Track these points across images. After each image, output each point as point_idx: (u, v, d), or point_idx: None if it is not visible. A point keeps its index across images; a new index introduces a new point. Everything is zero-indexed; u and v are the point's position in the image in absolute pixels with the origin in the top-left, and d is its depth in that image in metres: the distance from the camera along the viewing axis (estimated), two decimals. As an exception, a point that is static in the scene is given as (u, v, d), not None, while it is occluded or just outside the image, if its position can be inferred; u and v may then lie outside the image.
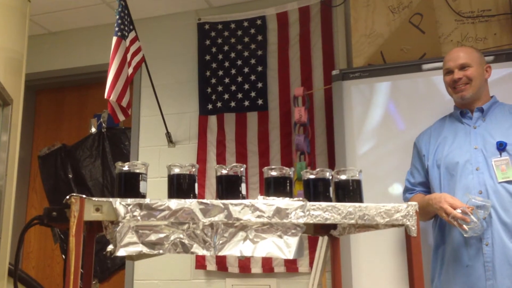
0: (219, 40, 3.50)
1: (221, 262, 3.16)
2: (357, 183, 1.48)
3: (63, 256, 3.69)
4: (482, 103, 2.20)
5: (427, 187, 2.28)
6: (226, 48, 3.47)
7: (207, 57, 3.50)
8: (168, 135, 3.45)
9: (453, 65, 2.19)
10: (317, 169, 1.48)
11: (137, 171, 1.37)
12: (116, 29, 2.73)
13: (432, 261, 2.21)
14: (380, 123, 2.73)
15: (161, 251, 1.28)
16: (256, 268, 3.11)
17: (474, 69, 2.17)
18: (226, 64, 3.45)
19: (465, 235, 1.97)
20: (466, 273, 2.03)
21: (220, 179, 1.43)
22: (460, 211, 1.95)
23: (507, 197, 2.01)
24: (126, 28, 2.80)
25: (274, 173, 1.45)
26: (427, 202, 2.11)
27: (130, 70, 2.80)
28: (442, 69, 2.31)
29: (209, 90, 3.45)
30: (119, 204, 1.22)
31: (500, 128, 2.12)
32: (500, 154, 2.06)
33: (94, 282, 3.52)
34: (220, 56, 3.48)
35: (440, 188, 2.17)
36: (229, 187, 1.41)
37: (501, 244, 1.98)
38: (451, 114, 2.31)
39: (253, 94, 3.35)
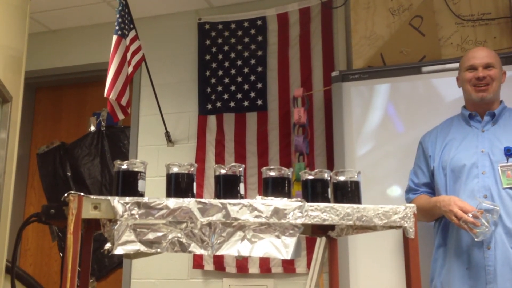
0: (219, 40, 3.50)
1: (219, 262, 3.16)
2: (356, 184, 1.48)
3: (61, 254, 3.69)
4: (494, 107, 2.19)
5: (431, 188, 2.27)
6: (226, 48, 3.48)
7: (207, 57, 3.51)
8: (167, 134, 3.45)
9: (479, 62, 2.16)
10: (316, 170, 1.48)
11: (136, 169, 1.37)
12: (117, 27, 2.73)
13: (432, 261, 2.21)
14: (379, 125, 2.74)
15: (158, 250, 1.27)
16: (253, 268, 3.11)
17: (497, 71, 2.17)
18: (226, 64, 3.45)
19: (476, 239, 1.96)
20: (466, 275, 2.03)
21: (218, 179, 1.43)
22: (471, 215, 1.95)
23: (511, 203, 2.01)
24: (127, 27, 2.80)
25: (272, 174, 1.45)
26: (434, 204, 2.10)
27: (130, 69, 2.80)
28: (442, 71, 2.32)
29: (208, 90, 3.45)
30: (117, 203, 1.22)
31: (509, 134, 2.11)
32: (507, 160, 2.05)
33: (91, 280, 3.52)
34: (220, 56, 3.48)
35: (446, 190, 2.16)
36: (227, 187, 1.41)
37: (503, 249, 1.98)
38: (459, 116, 2.29)
39: (252, 94, 3.35)
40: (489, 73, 2.15)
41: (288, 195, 1.43)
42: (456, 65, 2.39)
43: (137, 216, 1.23)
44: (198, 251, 1.30)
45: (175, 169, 1.40)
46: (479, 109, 2.20)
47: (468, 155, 2.12)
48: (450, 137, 2.22)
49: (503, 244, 1.99)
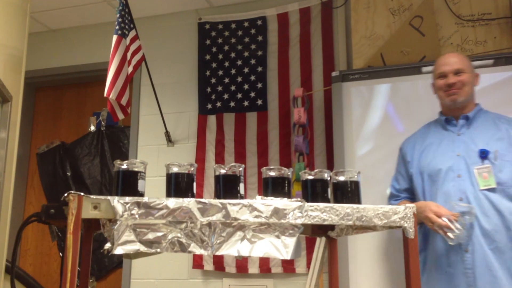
0: (220, 40, 3.50)
1: (219, 262, 3.16)
2: (355, 184, 1.48)
3: (61, 253, 3.69)
4: (468, 111, 2.21)
5: (412, 194, 2.29)
6: (226, 48, 3.47)
7: (207, 57, 3.51)
8: (167, 134, 3.45)
9: (448, 69, 2.20)
10: (316, 170, 1.48)
11: (136, 169, 1.37)
12: (117, 27, 2.72)
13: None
14: (379, 125, 2.74)
15: (158, 250, 1.27)
16: (253, 269, 3.11)
17: (468, 76, 2.19)
18: (226, 64, 3.45)
19: (450, 243, 1.98)
20: (445, 279, 2.05)
21: (218, 179, 1.43)
22: (446, 219, 1.96)
23: (488, 204, 2.02)
24: (127, 27, 2.80)
25: (272, 173, 1.45)
26: None
27: (130, 69, 2.80)
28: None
29: (208, 89, 3.45)
30: (117, 202, 1.22)
31: (484, 136, 2.13)
32: (482, 162, 2.07)
33: (91, 280, 3.52)
34: (220, 56, 3.48)
35: (423, 194, 2.18)
36: (227, 187, 1.41)
37: (481, 251, 1.99)
38: (436, 121, 2.32)
39: (252, 94, 3.35)
40: (459, 78, 2.17)
41: (288, 195, 1.43)
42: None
43: (137, 216, 1.23)
44: (198, 251, 1.30)
45: (175, 169, 1.40)
46: (454, 113, 2.23)
47: (445, 159, 2.14)
48: (427, 142, 2.25)
49: (480, 246, 1.99)
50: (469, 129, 2.18)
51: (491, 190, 2.02)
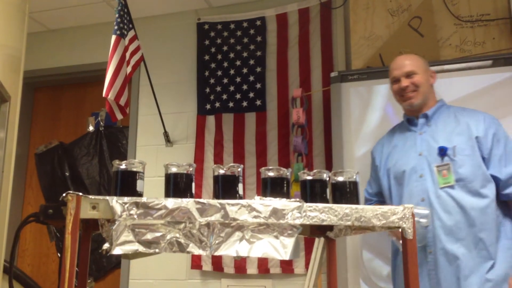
0: (218, 40, 3.50)
1: (217, 263, 3.16)
2: (354, 185, 1.48)
3: (59, 254, 3.68)
4: (428, 109, 2.18)
5: (383, 197, 2.29)
6: (225, 48, 3.47)
7: (206, 57, 3.51)
8: (166, 134, 3.45)
9: (400, 73, 2.17)
10: (315, 170, 1.48)
11: (134, 169, 1.36)
12: (115, 27, 2.72)
13: (391, 270, 2.25)
14: (378, 125, 2.74)
15: (157, 250, 1.27)
16: (251, 269, 3.11)
17: (420, 76, 2.15)
18: (225, 64, 3.45)
19: (401, 249, 1.98)
20: None
21: (217, 179, 1.43)
22: None
23: (450, 201, 2.00)
24: (125, 27, 2.80)
25: (271, 174, 1.45)
26: None
27: (129, 69, 2.80)
28: (440, 72, 2.32)
29: (207, 90, 3.45)
30: (116, 202, 1.22)
31: (444, 132, 2.11)
32: (442, 159, 2.05)
33: (89, 280, 3.51)
34: (219, 56, 3.48)
35: (390, 197, 2.18)
36: (226, 187, 1.41)
37: (442, 251, 1.98)
38: (401, 123, 2.31)
39: (251, 94, 3.35)
40: (411, 81, 2.15)
41: (287, 195, 1.42)
42: (455, 66, 2.39)
43: (135, 216, 1.23)
44: (197, 251, 1.29)
45: (174, 169, 1.40)
46: (415, 113, 2.21)
47: (408, 160, 2.13)
48: (393, 145, 2.25)
49: (442, 246, 1.98)
50: (430, 127, 2.16)
51: (452, 187, 2.00)
